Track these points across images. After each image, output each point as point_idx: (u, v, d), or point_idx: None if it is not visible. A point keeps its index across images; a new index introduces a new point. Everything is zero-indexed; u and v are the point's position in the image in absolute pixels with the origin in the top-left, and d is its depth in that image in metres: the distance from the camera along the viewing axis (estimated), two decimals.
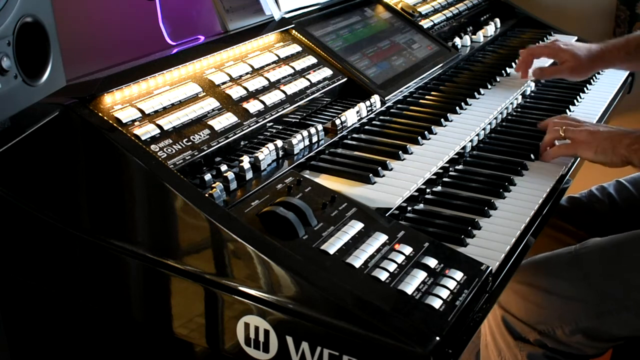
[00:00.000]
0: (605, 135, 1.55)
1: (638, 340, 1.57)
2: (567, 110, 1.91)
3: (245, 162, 1.27)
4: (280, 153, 1.36)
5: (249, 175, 1.26)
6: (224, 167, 1.26)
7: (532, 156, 1.60)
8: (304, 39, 1.72)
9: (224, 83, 1.45)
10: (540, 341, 1.58)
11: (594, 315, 1.52)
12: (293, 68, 1.61)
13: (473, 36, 2.22)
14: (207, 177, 1.22)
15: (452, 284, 1.09)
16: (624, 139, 1.52)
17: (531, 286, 1.58)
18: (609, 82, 2.16)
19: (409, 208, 1.36)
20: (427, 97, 1.83)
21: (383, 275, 1.08)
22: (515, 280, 1.58)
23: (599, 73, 2.17)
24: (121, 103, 1.27)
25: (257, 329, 1.10)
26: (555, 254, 1.62)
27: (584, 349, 1.58)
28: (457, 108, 1.74)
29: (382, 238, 1.16)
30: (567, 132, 1.60)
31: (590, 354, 1.62)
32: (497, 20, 2.39)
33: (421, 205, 1.39)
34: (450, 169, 1.53)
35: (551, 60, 2.06)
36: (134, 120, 1.25)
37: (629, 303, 1.50)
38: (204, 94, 1.40)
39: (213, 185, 1.19)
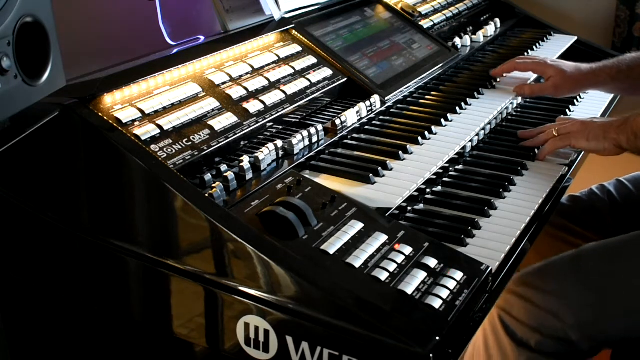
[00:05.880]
0: (598, 124, 1.59)
1: (638, 341, 1.57)
2: (567, 111, 1.91)
3: (245, 162, 1.27)
4: (280, 153, 1.36)
5: (249, 175, 1.26)
6: (224, 167, 1.26)
7: (533, 153, 1.60)
8: (304, 39, 1.71)
9: (224, 83, 1.45)
10: (540, 345, 1.57)
11: (593, 317, 1.52)
12: (293, 68, 1.60)
13: (473, 36, 2.21)
14: (207, 177, 1.22)
15: (452, 284, 1.09)
16: (614, 122, 1.57)
17: (530, 288, 1.58)
18: None
19: (409, 208, 1.36)
20: (427, 97, 1.83)
21: (383, 275, 1.08)
22: (514, 283, 1.59)
23: None
24: (121, 103, 1.27)
25: (257, 329, 1.10)
26: (555, 258, 1.62)
27: (582, 348, 1.57)
28: (457, 108, 1.73)
29: (382, 238, 1.16)
30: (560, 130, 1.61)
31: (586, 352, 1.62)
32: (497, 20, 2.38)
33: (421, 205, 1.39)
34: (450, 169, 1.54)
35: (535, 76, 2.03)
36: (134, 120, 1.25)
37: (628, 305, 1.51)
38: (204, 94, 1.40)
39: (213, 185, 1.19)
